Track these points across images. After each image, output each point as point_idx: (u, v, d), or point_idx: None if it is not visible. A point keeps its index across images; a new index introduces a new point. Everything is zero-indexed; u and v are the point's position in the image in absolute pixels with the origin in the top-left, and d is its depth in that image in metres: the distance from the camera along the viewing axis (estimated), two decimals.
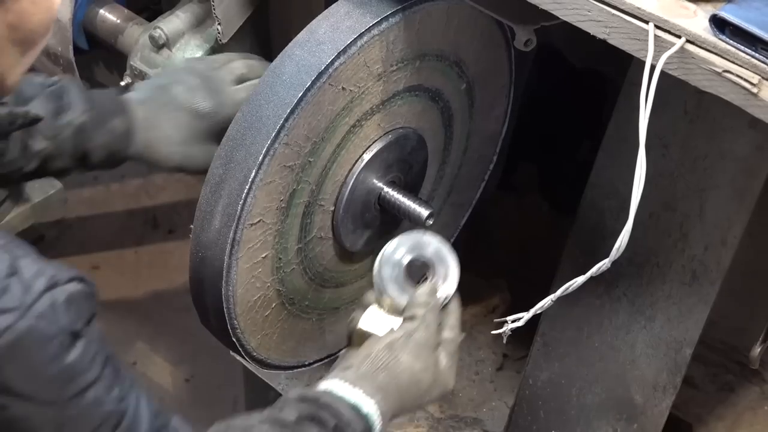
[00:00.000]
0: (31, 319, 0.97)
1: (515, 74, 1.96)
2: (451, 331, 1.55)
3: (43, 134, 1.61)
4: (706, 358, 2.40)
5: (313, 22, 1.54)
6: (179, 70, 1.88)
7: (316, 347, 1.83)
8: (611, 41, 1.27)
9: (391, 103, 1.67)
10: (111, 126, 1.68)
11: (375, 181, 1.70)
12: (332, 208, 1.66)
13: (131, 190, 3.39)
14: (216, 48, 2.06)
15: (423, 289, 1.54)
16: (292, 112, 1.47)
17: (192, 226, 1.55)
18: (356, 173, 1.65)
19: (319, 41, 1.51)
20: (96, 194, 3.39)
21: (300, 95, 1.47)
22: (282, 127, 1.47)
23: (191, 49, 2.06)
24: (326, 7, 1.56)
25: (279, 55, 1.53)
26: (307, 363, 1.83)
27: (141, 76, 2.08)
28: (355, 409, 1.36)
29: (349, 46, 1.51)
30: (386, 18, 1.54)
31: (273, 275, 1.62)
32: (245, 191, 1.48)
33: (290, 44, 1.53)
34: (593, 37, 1.29)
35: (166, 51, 2.06)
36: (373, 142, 1.67)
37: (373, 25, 1.53)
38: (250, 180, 1.47)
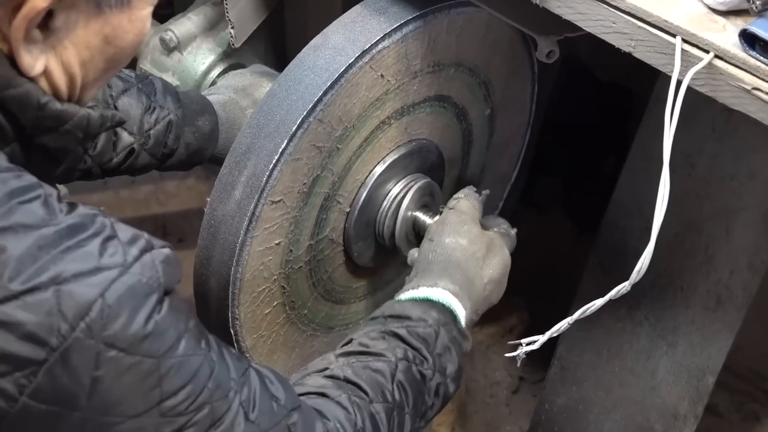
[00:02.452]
0: (135, 275, 1.02)
1: (533, 116, 2.01)
2: (502, 225, 1.72)
3: (134, 129, 1.69)
4: (730, 385, 2.38)
5: (359, 5, 1.57)
6: (259, 73, 1.97)
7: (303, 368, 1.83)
8: (636, 55, 1.26)
9: (421, 108, 1.70)
10: (197, 125, 1.79)
11: (393, 188, 1.72)
12: (348, 209, 1.67)
13: (141, 196, 3.38)
14: (229, 52, 2.06)
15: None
16: (331, 86, 1.48)
17: (208, 199, 1.54)
18: (376, 175, 1.67)
19: (365, 22, 1.53)
20: (105, 200, 3.39)
21: (342, 69, 1.49)
22: (319, 100, 1.48)
23: (203, 53, 2.06)
24: (344, 12, 1.57)
25: (323, 31, 1.55)
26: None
27: None
28: (425, 302, 1.44)
29: (395, 30, 1.53)
30: (432, 12, 1.58)
31: (281, 268, 1.62)
32: (273, 162, 1.48)
33: (335, 22, 1.55)
34: (618, 50, 1.28)
35: (177, 54, 2.06)
36: (398, 146, 1.69)
37: (419, 15, 1.56)
38: (279, 151, 1.47)
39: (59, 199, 1.04)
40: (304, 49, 1.54)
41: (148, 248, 1.05)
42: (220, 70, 2.06)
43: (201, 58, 2.06)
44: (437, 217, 1.65)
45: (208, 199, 1.54)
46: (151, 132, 1.71)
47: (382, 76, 1.56)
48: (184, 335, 1.07)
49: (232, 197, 1.51)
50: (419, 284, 1.48)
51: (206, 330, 1.14)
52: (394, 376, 1.33)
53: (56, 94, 1.11)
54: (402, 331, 1.37)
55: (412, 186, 1.70)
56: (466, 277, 1.51)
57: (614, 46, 1.28)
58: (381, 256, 1.78)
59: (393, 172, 1.69)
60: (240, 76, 1.97)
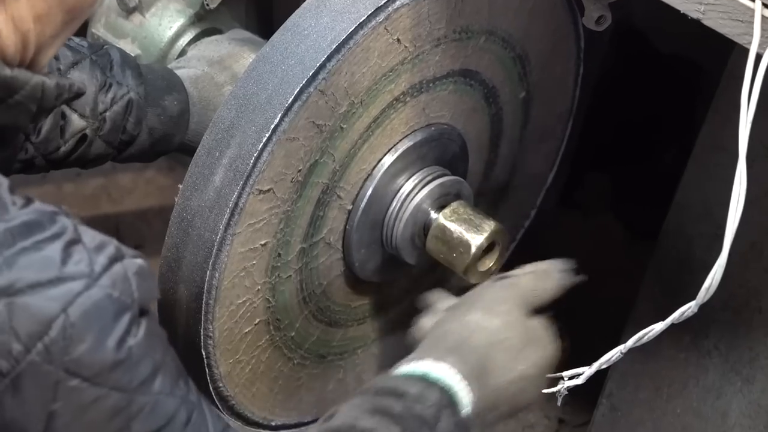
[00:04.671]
0: (104, 288, 1.02)
1: (577, 104, 2.02)
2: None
3: (86, 110, 1.68)
4: None
5: None
6: (239, 40, 1.96)
7: (288, 403, 1.85)
8: (706, 22, 1.27)
9: (443, 85, 1.71)
10: (163, 106, 1.78)
11: (405, 184, 1.73)
12: (350, 207, 1.69)
13: (89, 191, 3.39)
14: (202, 14, 2.07)
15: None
16: (338, 49, 1.49)
17: (180, 186, 1.54)
18: (386, 166, 1.68)
19: None
20: (44, 196, 3.37)
21: (351, 29, 1.49)
22: (323, 66, 1.49)
23: (170, 15, 2.06)
24: None
25: None
26: (272, 424, 1.83)
27: None
28: (424, 379, 1.38)
29: None
30: None
31: (266, 276, 1.63)
32: (263, 141, 1.48)
33: None
34: (684, 16, 1.29)
35: (138, 17, 2.06)
36: (413, 131, 1.70)
37: None
38: (271, 127, 1.48)
39: (11, 189, 1.05)
40: (301, 8, 1.55)
41: (118, 257, 1.06)
42: (192, 36, 2.07)
43: (168, 22, 2.06)
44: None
45: (180, 187, 1.54)
46: (107, 114, 1.71)
47: (398, 40, 1.57)
48: (161, 369, 1.08)
49: (210, 184, 1.51)
50: (424, 356, 1.43)
51: (185, 369, 1.15)
52: None
53: (4, 60, 1.12)
54: (397, 409, 1.32)
55: (430, 181, 1.71)
56: (481, 365, 1.45)
57: (679, 11, 1.29)
58: (388, 268, 1.80)
59: (406, 162, 1.70)
60: (216, 45, 1.98)
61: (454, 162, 1.79)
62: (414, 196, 1.71)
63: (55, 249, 1.02)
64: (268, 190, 1.53)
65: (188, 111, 1.83)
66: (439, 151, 1.75)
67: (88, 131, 1.70)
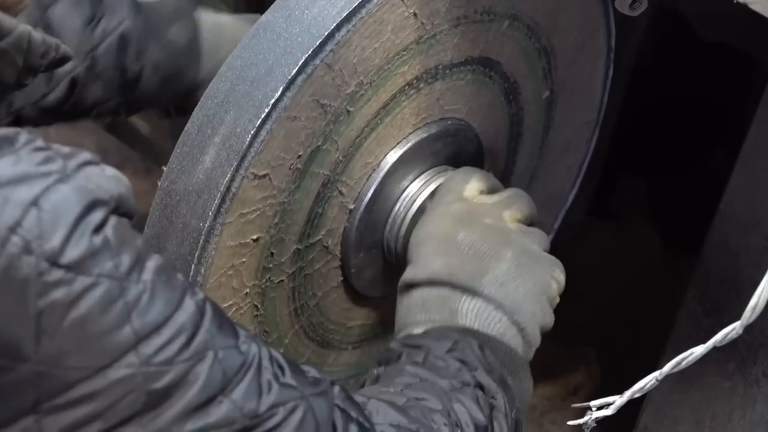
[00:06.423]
0: (78, 181, 1.04)
1: (604, 113, 2.03)
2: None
3: (73, 48, 1.62)
4: None
5: None
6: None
7: None
8: (754, 7, 1.27)
9: (460, 73, 1.72)
10: (168, 36, 1.75)
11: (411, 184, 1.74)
12: (351, 207, 1.69)
13: None
14: None
15: None
16: (348, 18, 1.50)
17: (164, 168, 1.54)
18: (394, 160, 1.69)
19: None
20: None
21: None
22: (331, 36, 1.49)
23: None
24: None
25: None
26: None
27: None
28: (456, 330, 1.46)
29: None
30: None
31: (257, 278, 1.63)
32: (261, 117, 1.48)
33: None
34: (730, 1, 1.29)
35: None
36: (426, 123, 1.72)
37: None
38: (271, 103, 1.48)
39: None
40: None
41: (93, 162, 1.07)
42: None
43: None
44: None
45: (164, 168, 1.54)
46: (98, 52, 1.70)
47: (414, 14, 1.58)
48: (149, 258, 1.09)
49: (199, 165, 1.51)
50: (444, 306, 1.53)
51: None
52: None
53: None
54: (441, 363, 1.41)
55: (436, 180, 1.72)
56: (510, 297, 1.57)
57: None
58: (389, 281, 1.79)
59: (417, 159, 1.71)
60: None
61: (468, 163, 1.78)
62: (418, 196, 1.72)
63: (23, 152, 1.03)
64: (264, 176, 1.53)
65: (198, 42, 1.80)
66: (454, 150, 1.76)
67: (78, 73, 1.69)
